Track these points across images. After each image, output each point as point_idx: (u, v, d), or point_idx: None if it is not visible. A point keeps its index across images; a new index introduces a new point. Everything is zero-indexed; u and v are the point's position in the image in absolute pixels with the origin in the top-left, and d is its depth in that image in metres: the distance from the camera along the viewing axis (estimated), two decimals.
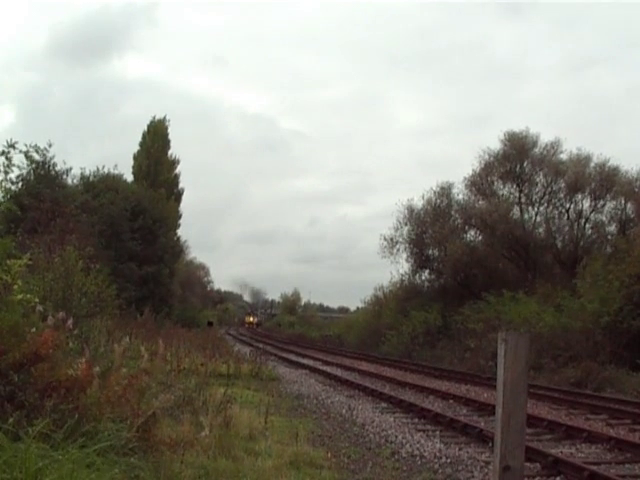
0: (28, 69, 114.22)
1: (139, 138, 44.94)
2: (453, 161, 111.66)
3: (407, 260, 36.06)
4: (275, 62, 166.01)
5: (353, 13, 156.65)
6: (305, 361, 26.30)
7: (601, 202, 30.90)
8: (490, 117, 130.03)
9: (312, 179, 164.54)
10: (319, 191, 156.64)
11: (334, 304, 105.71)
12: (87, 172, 32.58)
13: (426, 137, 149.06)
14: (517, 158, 32.71)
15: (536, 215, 33.07)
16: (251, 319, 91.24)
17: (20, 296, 7.19)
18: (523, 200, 33.27)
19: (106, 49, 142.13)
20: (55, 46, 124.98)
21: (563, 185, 31.58)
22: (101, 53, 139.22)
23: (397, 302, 36.84)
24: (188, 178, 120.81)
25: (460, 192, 34.72)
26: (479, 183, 33.94)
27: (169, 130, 45.41)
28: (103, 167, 34.14)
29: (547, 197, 32.52)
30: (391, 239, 35.41)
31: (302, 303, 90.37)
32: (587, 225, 31.42)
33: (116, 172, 34.93)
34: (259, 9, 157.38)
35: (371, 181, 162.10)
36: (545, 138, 33.16)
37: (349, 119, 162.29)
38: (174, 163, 46.50)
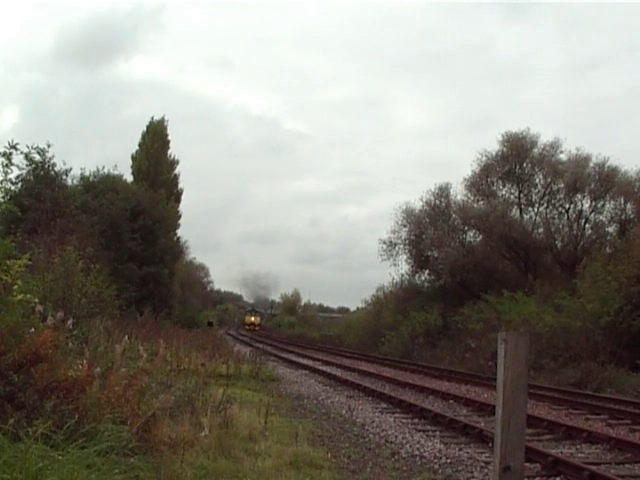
0: (33, 70, 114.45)
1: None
2: (456, 162, 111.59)
3: (407, 261, 36.16)
4: (279, 63, 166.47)
5: (356, 15, 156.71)
6: (305, 361, 26.29)
7: (601, 202, 30.92)
8: (493, 118, 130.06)
9: (314, 180, 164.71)
10: (321, 191, 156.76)
11: (334, 304, 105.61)
12: (87, 172, 32.65)
13: (429, 138, 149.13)
14: (516, 159, 32.71)
15: (536, 216, 33.12)
16: (252, 319, 79.00)
17: (20, 296, 7.19)
18: (523, 201, 33.29)
19: (112, 51, 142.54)
20: (62, 47, 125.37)
21: (562, 185, 31.58)
22: (107, 55, 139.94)
23: (397, 302, 36.86)
24: (192, 179, 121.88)
25: (459, 193, 34.81)
26: (478, 184, 33.94)
27: (168, 130, 45.57)
28: (103, 167, 34.22)
29: (547, 197, 32.53)
30: (390, 241, 35.51)
31: (302, 303, 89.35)
32: (587, 225, 31.42)
33: (116, 172, 35.02)
34: (264, 11, 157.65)
35: (373, 182, 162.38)
36: (545, 138, 33.20)
37: (352, 120, 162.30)
38: (173, 163, 46.55)
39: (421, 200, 35.02)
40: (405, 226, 35.20)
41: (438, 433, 10.30)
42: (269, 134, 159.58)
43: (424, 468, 7.85)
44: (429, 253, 34.79)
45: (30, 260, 9.13)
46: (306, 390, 15.91)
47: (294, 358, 28.28)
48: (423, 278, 36.80)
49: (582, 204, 31.34)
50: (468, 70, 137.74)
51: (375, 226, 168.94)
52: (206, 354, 17.51)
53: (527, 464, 7.24)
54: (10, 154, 8.27)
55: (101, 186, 31.92)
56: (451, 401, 14.49)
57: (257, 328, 74.51)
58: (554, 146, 32.46)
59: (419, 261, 35.36)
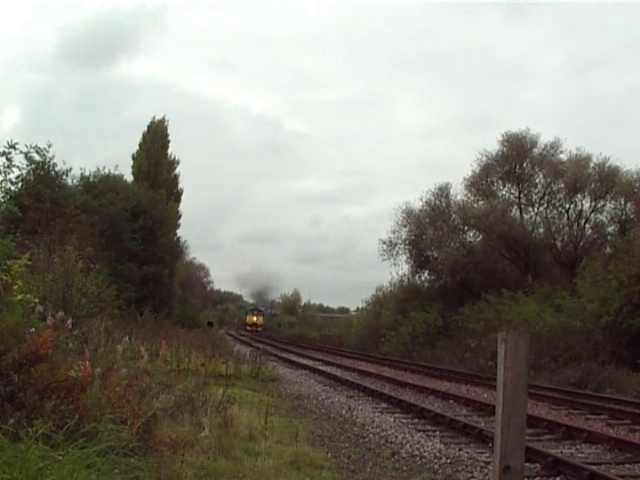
0: (34, 70, 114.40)
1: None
2: (456, 162, 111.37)
3: (407, 261, 36.19)
4: (279, 63, 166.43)
5: (357, 15, 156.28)
6: (305, 361, 26.29)
7: (601, 202, 30.93)
8: (494, 118, 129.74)
9: (315, 180, 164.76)
10: (322, 192, 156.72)
11: (334, 304, 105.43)
12: (87, 172, 32.68)
13: (429, 138, 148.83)
14: (516, 159, 32.70)
15: (536, 215, 33.12)
16: (254, 319, 73.07)
17: (20, 296, 7.20)
18: (523, 201, 33.29)
19: (114, 51, 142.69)
20: (64, 48, 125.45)
21: (563, 185, 31.57)
22: (109, 55, 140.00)
23: (397, 302, 36.85)
24: (192, 179, 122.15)
25: (459, 193, 34.81)
26: (478, 184, 33.94)
27: (169, 130, 45.63)
28: (104, 167, 34.25)
29: (547, 197, 32.53)
30: (390, 241, 35.53)
31: (302, 303, 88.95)
32: (587, 225, 31.44)
33: (116, 172, 35.03)
34: (264, 11, 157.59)
35: (374, 182, 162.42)
36: (545, 139, 33.19)
37: (352, 120, 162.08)
38: (173, 163, 46.59)
39: (421, 200, 35.09)
40: (405, 226, 35.25)
41: (438, 433, 10.30)
42: (269, 134, 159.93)
43: (424, 468, 7.85)
44: (429, 253, 34.79)
45: (30, 260, 9.14)
46: (306, 390, 15.91)
47: (294, 358, 28.27)
48: (423, 278, 36.87)
49: (582, 204, 31.41)
50: (468, 70, 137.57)
51: (375, 226, 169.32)
52: (206, 354, 17.51)
53: (527, 464, 7.24)
54: (9, 154, 8.28)
55: (101, 186, 31.93)
56: (451, 401, 14.49)
57: (259, 329, 69.64)
58: (554, 146, 32.49)
59: (419, 261, 35.37)
